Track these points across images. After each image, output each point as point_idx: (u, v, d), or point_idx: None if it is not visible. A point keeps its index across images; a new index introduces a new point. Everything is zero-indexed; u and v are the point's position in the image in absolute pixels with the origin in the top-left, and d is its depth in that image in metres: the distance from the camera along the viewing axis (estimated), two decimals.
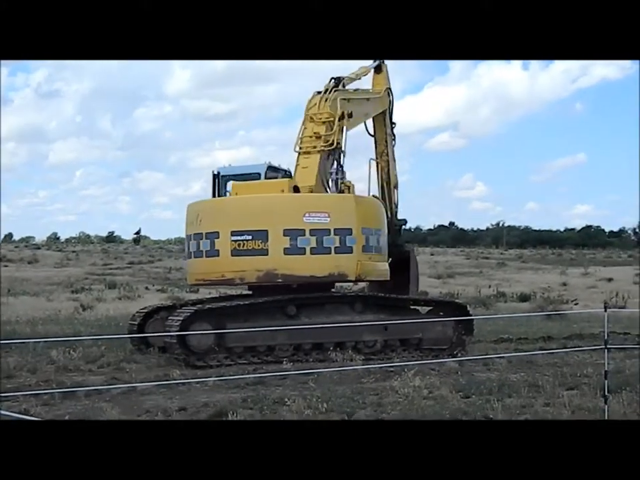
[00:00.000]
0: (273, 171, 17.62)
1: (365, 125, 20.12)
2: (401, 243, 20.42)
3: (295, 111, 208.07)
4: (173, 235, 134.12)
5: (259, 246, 15.72)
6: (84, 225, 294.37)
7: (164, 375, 13.18)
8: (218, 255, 15.96)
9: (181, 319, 14.63)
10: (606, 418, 9.52)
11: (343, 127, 17.58)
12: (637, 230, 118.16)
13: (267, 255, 15.71)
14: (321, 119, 17.44)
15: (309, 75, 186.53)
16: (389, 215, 19.63)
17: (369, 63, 19.89)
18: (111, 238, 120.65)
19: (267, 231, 15.75)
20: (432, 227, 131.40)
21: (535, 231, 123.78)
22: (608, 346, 10.62)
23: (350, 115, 17.77)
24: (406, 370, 12.66)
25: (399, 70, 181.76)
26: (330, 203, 16.49)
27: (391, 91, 20.39)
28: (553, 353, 14.96)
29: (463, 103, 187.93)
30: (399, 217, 20.73)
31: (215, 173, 17.96)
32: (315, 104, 17.65)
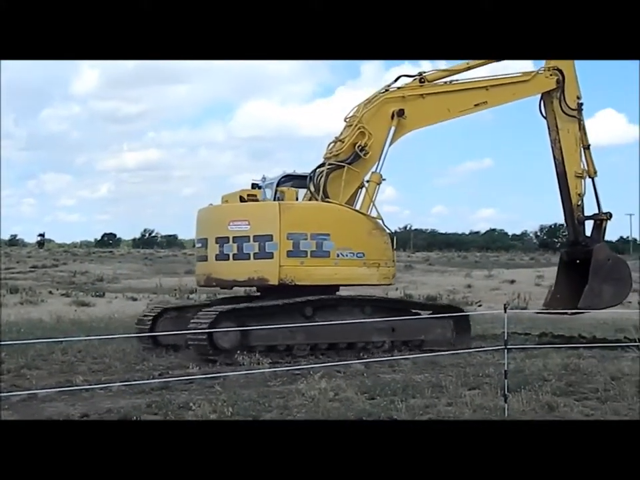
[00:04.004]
0: (290, 179, 18.06)
1: (539, 105, 19.49)
2: (584, 241, 19.40)
3: (205, 112, 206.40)
4: (78, 238, 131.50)
5: (204, 252, 17.36)
6: None
7: (66, 381, 12.89)
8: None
9: (209, 320, 15.13)
10: (506, 416, 9.78)
11: (390, 128, 17.64)
12: (539, 233, 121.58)
13: (207, 260, 17.25)
14: (352, 124, 17.64)
15: (220, 75, 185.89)
16: (566, 208, 19.20)
17: None
18: (13, 241, 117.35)
19: (206, 239, 17.29)
20: None
21: (442, 234, 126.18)
22: (508, 346, 10.91)
23: (400, 114, 17.65)
24: (312, 372, 12.72)
25: (309, 73, 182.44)
26: (251, 211, 16.95)
27: (560, 71, 19.05)
28: (456, 353, 15.23)
29: None
30: (602, 210, 19.38)
31: (257, 184, 18.30)
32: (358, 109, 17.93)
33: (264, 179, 18.12)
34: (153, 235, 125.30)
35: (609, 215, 19.57)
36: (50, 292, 35.35)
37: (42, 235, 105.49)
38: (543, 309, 20.17)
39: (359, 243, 17.10)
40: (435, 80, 18.48)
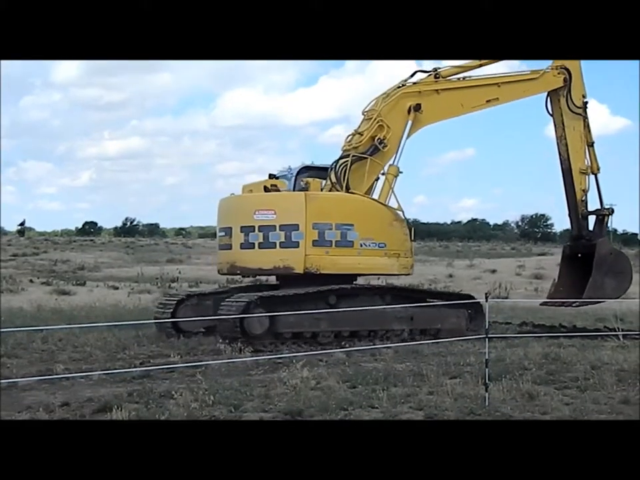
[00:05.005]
0: (308, 170, 18.55)
1: (545, 103, 20.07)
2: (587, 235, 19.94)
3: (188, 100, 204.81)
4: (59, 226, 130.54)
5: (228, 241, 17.75)
6: None
7: (46, 370, 12.83)
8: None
9: (242, 305, 15.62)
10: (487, 405, 9.83)
11: (407, 122, 18.17)
12: (520, 223, 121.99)
13: (231, 249, 17.63)
14: (371, 118, 18.07)
15: (203, 63, 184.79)
16: (570, 203, 19.83)
17: None
18: None
19: (231, 228, 17.68)
20: None
21: (423, 223, 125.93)
22: (489, 335, 10.97)
23: (417, 108, 18.15)
24: (294, 361, 12.73)
25: (293, 62, 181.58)
26: (277, 201, 17.43)
27: (567, 69, 19.61)
28: (437, 342, 15.30)
29: (357, 96, 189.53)
30: (604, 205, 20.00)
31: (274, 174, 18.72)
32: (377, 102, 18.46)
33: (289, 169, 18.65)
34: (135, 223, 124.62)
35: (611, 210, 20.13)
36: (30, 280, 35.23)
37: (22, 224, 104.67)
38: (547, 301, 20.70)
39: (381, 234, 17.60)
40: (448, 76, 19.01)
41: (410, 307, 16.93)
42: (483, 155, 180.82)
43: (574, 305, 19.85)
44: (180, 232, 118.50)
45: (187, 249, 70.29)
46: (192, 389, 10.60)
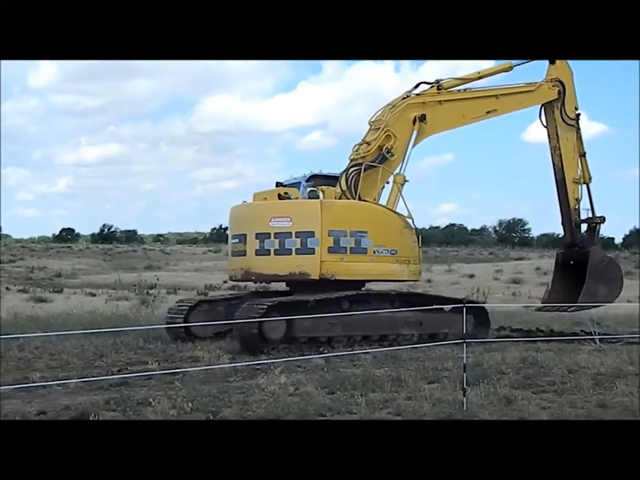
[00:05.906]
0: (315, 178, 19.02)
1: (539, 115, 20.53)
2: (580, 243, 20.39)
3: (166, 107, 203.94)
4: (36, 233, 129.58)
5: (242, 248, 18.00)
6: None
7: (23, 378, 12.73)
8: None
9: (261, 311, 15.77)
10: (464, 410, 9.86)
11: (412, 132, 18.56)
12: (497, 228, 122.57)
13: (245, 255, 17.87)
14: (378, 128, 18.50)
15: (181, 70, 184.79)
16: (564, 212, 20.32)
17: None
18: None
19: (245, 234, 17.94)
20: None
21: None
22: (467, 340, 11.02)
23: (422, 119, 18.62)
24: (272, 367, 12.72)
25: (271, 68, 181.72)
26: (293, 208, 17.75)
27: (561, 82, 20.18)
28: (416, 347, 15.33)
29: (334, 102, 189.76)
30: (595, 214, 20.49)
31: (280, 183, 19.30)
32: (382, 112, 18.89)
33: (304, 176, 19.04)
34: (112, 230, 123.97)
35: (603, 219, 20.70)
36: (7, 288, 34.88)
37: None
38: (541, 306, 21.22)
39: (393, 241, 18.02)
40: (450, 88, 19.51)
41: (419, 311, 17.13)
42: (461, 160, 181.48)
43: (569, 310, 20.25)
44: (158, 238, 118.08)
45: (165, 255, 70.11)
46: (170, 397, 10.56)
